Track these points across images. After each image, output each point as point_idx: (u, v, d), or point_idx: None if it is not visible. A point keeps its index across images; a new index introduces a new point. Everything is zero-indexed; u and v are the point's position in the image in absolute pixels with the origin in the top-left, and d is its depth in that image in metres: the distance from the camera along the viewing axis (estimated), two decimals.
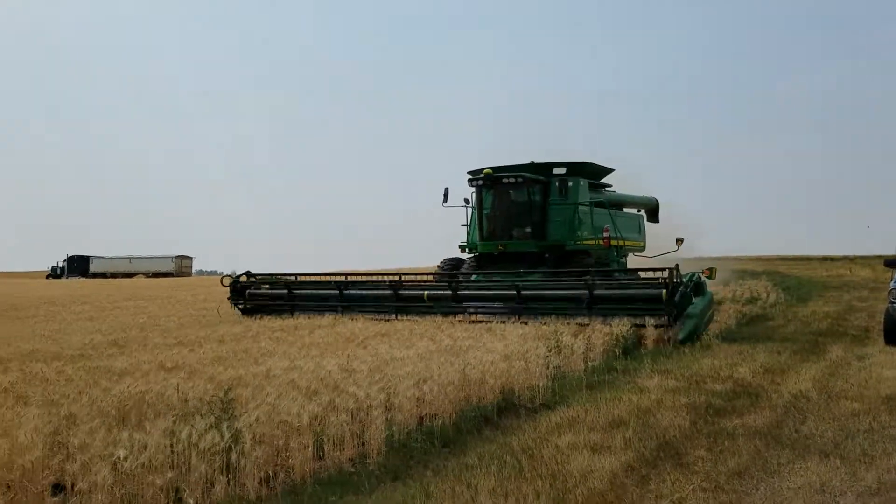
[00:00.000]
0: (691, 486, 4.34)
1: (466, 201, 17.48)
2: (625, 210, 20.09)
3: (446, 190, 17.24)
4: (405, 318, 12.90)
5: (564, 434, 5.60)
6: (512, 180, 16.39)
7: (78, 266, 75.75)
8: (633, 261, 19.39)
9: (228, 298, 16.20)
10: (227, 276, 17.01)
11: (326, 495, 4.38)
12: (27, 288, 37.26)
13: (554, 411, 6.50)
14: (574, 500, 4.06)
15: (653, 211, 22.08)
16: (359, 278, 17.41)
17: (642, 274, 13.92)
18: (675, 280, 11.14)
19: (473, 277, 15.61)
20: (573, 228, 16.44)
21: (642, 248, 20.11)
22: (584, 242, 16.51)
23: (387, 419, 5.55)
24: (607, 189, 19.40)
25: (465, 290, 13.70)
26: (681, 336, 10.73)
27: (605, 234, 16.51)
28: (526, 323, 11.44)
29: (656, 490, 4.32)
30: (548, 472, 4.58)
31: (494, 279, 14.58)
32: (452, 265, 17.51)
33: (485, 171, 16.53)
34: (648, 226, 21.29)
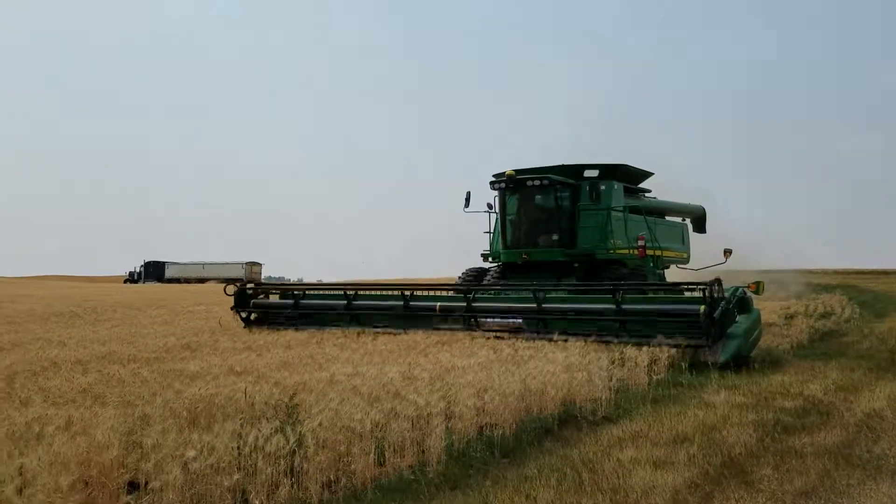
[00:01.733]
0: None
1: (489, 206, 16.21)
2: (667, 218, 18.61)
3: (468, 194, 16.01)
4: (415, 332, 11.62)
5: (627, 448, 5.53)
6: (537, 183, 14.98)
7: (154, 271, 78.80)
8: (676, 274, 17.96)
9: (232, 308, 15.00)
10: (232, 284, 15.88)
11: (387, 501, 4.44)
12: (106, 292, 38.88)
13: (616, 425, 6.41)
14: None
15: (699, 220, 20.47)
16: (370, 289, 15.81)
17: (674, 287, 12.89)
18: (715, 295, 9.93)
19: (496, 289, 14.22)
20: (605, 236, 15.03)
21: (686, 260, 18.65)
22: (618, 252, 15.08)
23: (447, 427, 5.59)
24: (646, 195, 17.97)
25: (480, 302, 12.34)
26: (721, 359, 9.61)
27: (641, 243, 15.04)
28: (552, 340, 10.22)
29: None
30: (608, 487, 4.54)
31: (512, 291, 13.32)
32: (475, 275, 16.25)
33: (507, 172, 15.30)
34: (695, 237, 19.80)
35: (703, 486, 4.62)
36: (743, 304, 10.64)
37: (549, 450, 5.65)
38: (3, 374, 7.78)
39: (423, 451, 5.26)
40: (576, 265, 14.98)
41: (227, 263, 78.93)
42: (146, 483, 4.09)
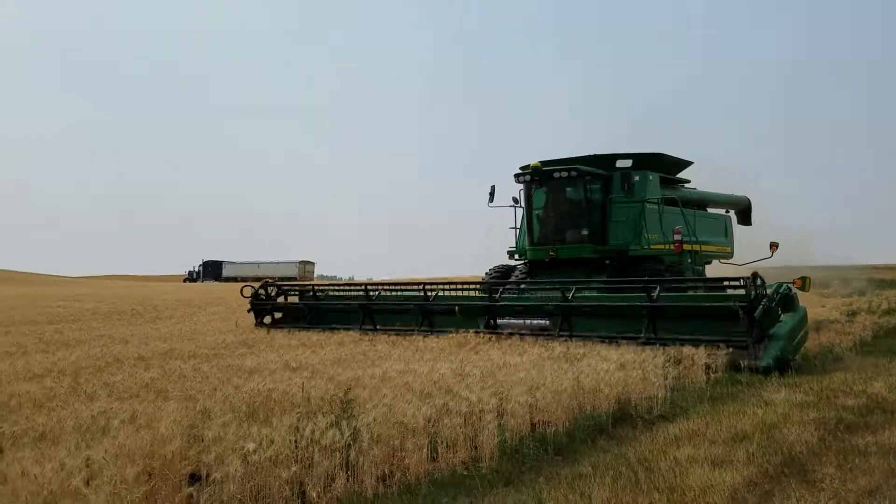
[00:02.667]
0: None
1: (515, 200, 15.31)
2: (708, 210, 17.65)
3: (492, 188, 15.15)
4: (432, 336, 11.13)
5: (683, 447, 5.44)
6: (564, 174, 13.97)
7: (212, 270, 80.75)
8: (719, 270, 17.02)
9: (249, 311, 15.02)
10: (249, 286, 15.83)
11: (440, 496, 4.46)
12: (166, 290, 39.99)
13: (673, 423, 6.31)
14: None
15: (744, 212, 19.28)
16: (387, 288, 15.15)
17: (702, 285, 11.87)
18: (755, 292, 9.15)
19: (522, 287, 13.58)
20: (639, 230, 14.03)
21: (730, 255, 17.57)
22: (652, 247, 14.12)
23: (499, 424, 5.59)
24: (685, 186, 16.87)
25: (501, 302, 11.76)
26: (763, 363, 8.80)
27: (677, 237, 13.98)
28: (575, 339, 9.69)
29: None
30: (665, 485, 4.47)
31: (536, 290, 12.79)
32: (501, 274, 15.47)
33: (532, 164, 14.45)
34: (741, 230, 18.71)
35: (762, 484, 4.52)
36: (787, 302, 9.80)
37: (603, 448, 5.60)
38: (69, 370, 8.09)
39: (476, 448, 5.27)
40: (607, 262, 14.07)
41: (281, 262, 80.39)
42: (207, 475, 4.20)
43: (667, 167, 15.64)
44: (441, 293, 12.76)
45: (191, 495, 4.04)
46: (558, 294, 10.89)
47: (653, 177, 14.63)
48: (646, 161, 14.73)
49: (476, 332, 10.68)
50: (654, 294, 9.89)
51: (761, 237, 16.94)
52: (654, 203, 14.37)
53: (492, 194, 15.02)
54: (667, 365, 7.86)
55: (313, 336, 11.85)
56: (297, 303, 14.82)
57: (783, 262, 15.61)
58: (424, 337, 10.94)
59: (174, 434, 4.50)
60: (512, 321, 11.42)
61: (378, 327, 12.47)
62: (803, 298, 10.84)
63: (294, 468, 4.31)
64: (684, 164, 16.42)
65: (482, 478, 4.79)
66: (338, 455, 4.52)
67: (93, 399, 6.30)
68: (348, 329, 12.38)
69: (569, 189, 14.48)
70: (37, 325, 12.88)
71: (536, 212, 14.78)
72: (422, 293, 12.55)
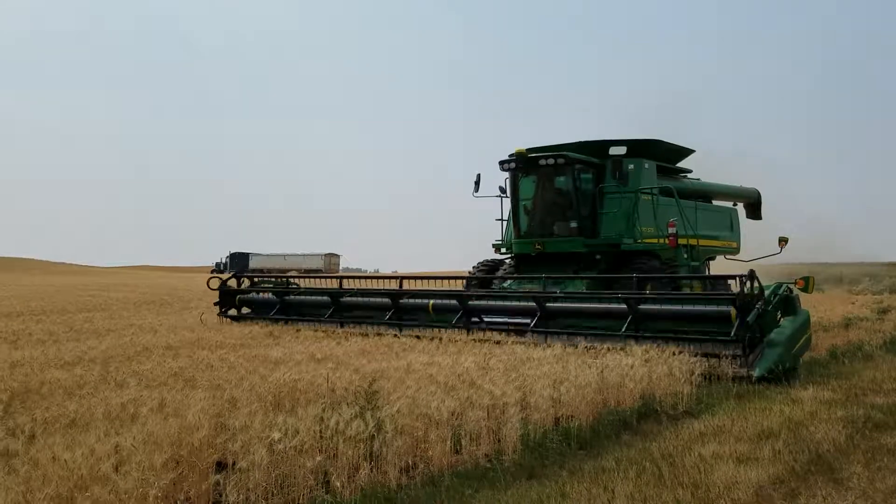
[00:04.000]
0: (844, 503, 4.07)
1: (502, 190, 14.18)
2: (714, 203, 16.61)
3: (478, 176, 14.04)
4: (405, 334, 10.66)
5: (708, 443, 5.40)
6: (551, 162, 12.89)
7: (239, 262, 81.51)
8: (724, 266, 15.97)
9: (216, 304, 14.16)
10: (215, 276, 14.82)
11: (463, 488, 4.48)
12: (194, 282, 40.49)
13: (698, 419, 6.27)
14: None
15: (753, 205, 18.16)
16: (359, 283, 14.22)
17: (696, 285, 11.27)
18: (749, 293, 8.29)
19: (507, 284, 12.90)
20: (632, 223, 13.02)
21: (736, 250, 16.55)
22: (646, 241, 13.07)
23: (522, 418, 5.59)
24: (686, 176, 15.91)
25: (476, 300, 11.05)
26: (756, 372, 7.93)
27: (671, 230, 12.74)
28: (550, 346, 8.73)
29: None
30: (689, 481, 4.45)
31: (516, 287, 12.09)
32: (488, 269, 14.48)
33: (517, 150, 13.32)
34: (750, 224, 17.73)
35: (788, 482, 4.47)
36: (788, 305, 8.96)
37: (627, 443, 5.58)
38: (99, 359, 8.23)
39: (499, 441, 5.28)
40: (598, 257, 13.10)
41: (306, 255, 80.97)
42: (233, 463, 4.26)
43: (665, 155, 14.68)
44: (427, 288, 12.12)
45: (217, 483, 4.09)
46: (536, 291, 10.34)
47: (648, 165, 13.65)
48: (641, 148, 13.74)
49: (448, 330, 10.20)
50: (637, 300, 9.17)
51: (785, 232, 16.00)
52: (649, 193, 13.39)
53: (477, 183, 14.02)
54: (692, 361, 7.79)
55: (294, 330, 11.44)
56: (259, 296, 14.13)
57: (812, 258, 15.12)
58: (395, 336, 10.43)
59: (201, 422, 4.56)
60: (489, 319, 10.82)
61: (345, 322, 11.88)
62: (817, 301, 10.47)
63: (319, 458, 4.36)
64: (685, 151, 15.45)
65: (505, 471, 4.80)
66: (362, 445, 4.55)
67: (122, 387, 6.41)
68: (314, 324, 11.95)
69: (557, 178, 13.44)
70: (68, 313, 13.15)
71: (523, 202, 13.80)
72: (397, 288, 11.95)
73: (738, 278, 8.44)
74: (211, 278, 14.58)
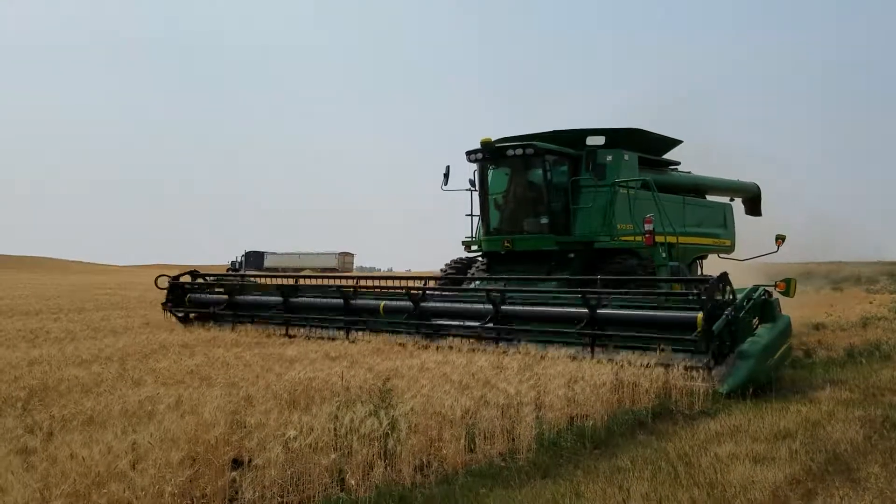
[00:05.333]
0: (862, 503, 4.03)
1: (472, 183, 13.10)
2: (709, 198, 15.66)
3: (447, 168, 12.99)
4: (358, 336, 10.09)
5: (724, 443, 5.36)
6: (519, 152, 11.77)
7: (254, 261, 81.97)
8: (718, 266, 14.54)
9: (164, 304, 13.29)
10: (165, 275, 13.94)
11: (477, 487, 4.47)
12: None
13: (714, 419, 6.23)
14: None
15: (752, 200, 17.05)
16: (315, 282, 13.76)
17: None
18: (717, 297, 7.55)
19: (475, 284, 12.01)
20: (608, 219, 12.02)
21: (730, 249, 15.53)
22: (622, 238, 12.09)
23: (537, 417, 5.59)
24: (676, 169, 14.83)
25: (430, 302, 10.32)
26: (724, 387, 7.05)
27: (648, 227, 11.60)
28: (505, 352, 8.14)
29: None
30: (705, 481, 4.42)
31: (472, 289, 11.33)
32: (460, 268, 13.48)
33: (483, 139, 12.19)
34: (749, 220, 16.67)
35: (805, 482, 4.44)
36: (765, 310, 8.09)
37: (642, 442, 5.55)
38: (116, 357, 8.30)
39: (513, 439, 5.27)
40: (571, 255, 12.06)
41: (320, 254, 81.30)
42: (249, 460, 4.29)
43: (649, 146, 13.55)
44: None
45: (234, 480, 4.12)
46: (487, 296, 9.61)
47: (629, 156, 12.62)
48: (622, 138, 12.68)
49: (398, 334, 9.63)
50: (599, 303, 8.46)
51: (792, 230, 15.25)
52: (627, 187, 12.24)
53: (446, 176, 12.95)
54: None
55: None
56: (209, 295, 13.32)
57: (826, 257, 14.73)
58: (345, 341, 9.81)
59: (217, 420, 4.59)
60: (446, 322, 10.04)
61: (293, 324, 11.16)
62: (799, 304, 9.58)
63: (333, 455, 4.38)
64: (671, 142, 14.30)
65: (519, 469, 4.80)
66: (376, 444, 4.57)
67: (139, 384, 6.47)
68: (264, 326, 11.35)
69: (526, 170, 12.37)
70: (85, 312, 13.26)
71: (493, 196, 12.81)
72: (350, 288, 11.35)
73: (712, 281, 7.75)
74: (159, 277, 13.77)
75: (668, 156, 14.57)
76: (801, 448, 5.12)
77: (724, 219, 15.64)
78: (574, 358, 7.55)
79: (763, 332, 7.84)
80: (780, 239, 13.86)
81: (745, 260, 14.75)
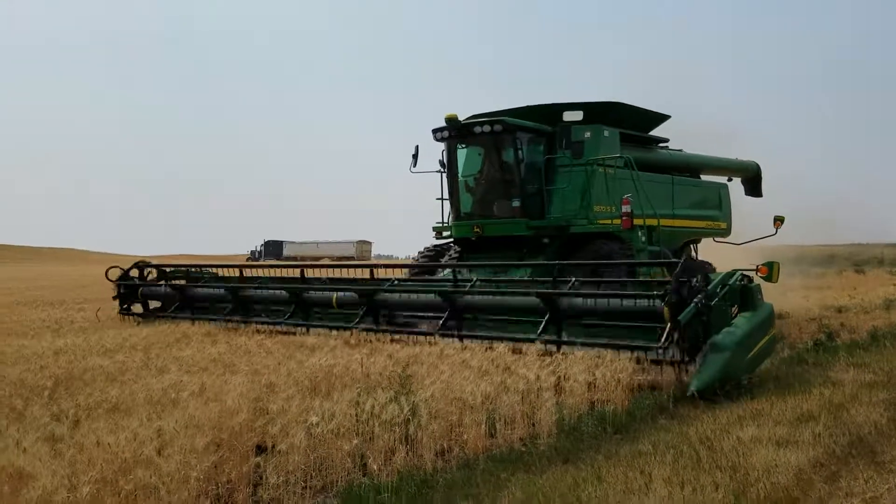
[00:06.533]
0: (886, 486, 3.99)
1: (442, 165, 11.96)
2: (702, 178, 14.66)
3: (416, 148, 12.03)
4: (310, 332, 9.38)
5: (747, 426, 5.34)
6: (487, 129, 10.77)
7: (273, 250, 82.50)
8: (712, 250, 14.31)
9: (115, 298, 12.50)
10: (117, 267, 12.85)
11: (498, 472, 4.49)
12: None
13: (736, 402, 6.20)
14: (756, 494, 3.88)
15: (752, 181, 15.96)
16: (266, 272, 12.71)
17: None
18: (684, 283, 6.74)
19: (445, 272, 10.85)
20: (586, 202, 11.01)
21: (725, 232, 14.53)
22: (600, 221, 11.09)
23: (557, 402, 5.59)
24: (667, 147, 13.84)
25: (385, 294, 9.54)
26: (694, 383, 6.30)
27: (626, 209, 10.58)
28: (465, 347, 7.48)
29: (846, 488, 4.02)
30: (728, 464, 4.40)
31: (422, 279, 10.58)
32: (433, 255, 12.40)
33: (448, 115, 11.13)
34: (748, 202, 15.75)
35: (828, 465, 4.41)
36: (745, 298, 7.28)
37: (664, 427, 5.53)
38: (140, 345, 8.40)
39: (534, 425, 5.29)
40: (545, 241, 11.13)
41: (339, 242, 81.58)
42: (273, 446, 4.33)
43: (632, 122, 12.52)
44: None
45: (257, 465, 4.17)
46: (447, 284, 9.02)
47: (609, 133, 11.53)
48: (601, 113, 11.59)
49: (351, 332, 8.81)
50: (557, 294, 7.79)
51: (799, 212, 14.56)
52: (604, 165, 11.16)
53: (415, 157, 12.01)
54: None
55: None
56: (161, 289, 12.43)
57: (848, 238, 14.07)
58: (299, 335, 9.20)
59: (241, 406, 4.65)
60: (406, 314, 9.51)
61: (245, 319, 10.46)
62: (775, 292, 8.27)
63: (355, 441, 4.42)
64: (657, 117, 13.27)
65: (540, 454, 4.81)
66: (397, 429, 4.60)
67: (163, 372, 6.55)
68: (214, 321, 10.60)
69: (496, 149, 11.33)
70: (109, 301, 13.37)
71: (464, 178, 11.82)
72: (300, 279, 10.64)
73: (671, 266, 7.15)
74: (110, 269, 12.75)
75: (656, 132, 13.69)
76: (825, 431, 5.08)
77: (720, 200, 14.60)
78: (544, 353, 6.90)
79: (741, 322, 7.00)
80: (778, 221, 13.14)
81: (743, 244, 14.00)
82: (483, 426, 5.03)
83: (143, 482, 3.60)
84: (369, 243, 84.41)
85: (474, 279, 9.41)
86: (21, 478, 3.64)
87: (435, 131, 11.57)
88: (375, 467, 4.32)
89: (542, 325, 7.57)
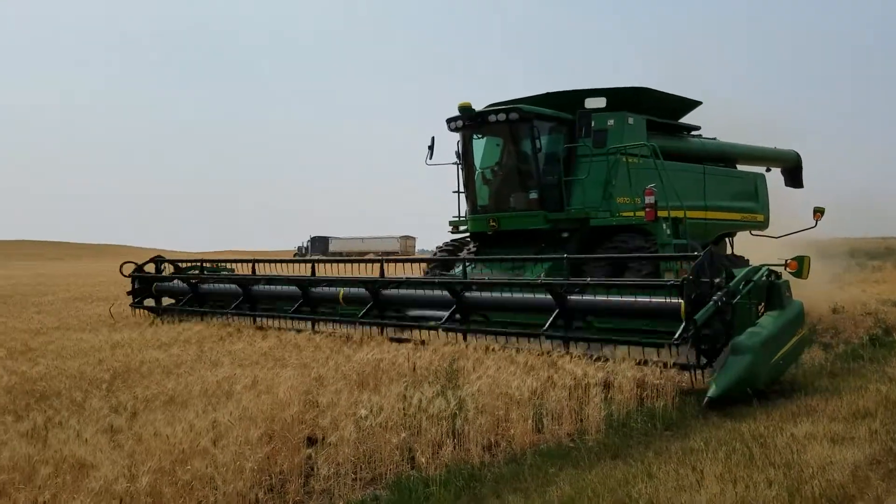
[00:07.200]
0: None
1: (458, 156, 11.44)
2: (739, 168, 13.77)
3: (432, 140, 11.43)
4: (317, 329, 9.22)
5: (801, 423, 5.22)
6: (502, 117, 10.24)
7: (319, 246, 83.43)
8: (750, 244, 13.36)
9: (129, 293, 12.55)
10: (130, 262, 12.86)
11: (546, 467, 4.48)
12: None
13: (790, 399, 6.07)
14: (810, 491, 3.80)
15: (792, 171, 15.04)
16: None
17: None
18: (705, 279, 6.26)
19: (457, 269, 10.30)
20: (608, 193, 10.46)
21: (763, 224, 13.62)
22: (622, 214, 10.45)
23: (605, 398, 5.54)
24: (700, 135, 13.08)
25: (391, 289, 9.07)
26: (712, 389, 5.80)
27: (649, 199, 9.71)
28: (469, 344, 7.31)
29: None
30: (781, 461, 4.32)
31: (428, 278, 9.85)
32: (451, 250, 11.97)
33: (461, 103, 10.55)
34: (789, 192, 14.88)
35: (885, 462, 4.29)
36: (771, 295, 6.67)
37: (715, 424, 5.44)
38: (193, 339, 8.61)
39: (582, 420, 5.25)
40: (565, 235, 10.50)
41: (383, 237, 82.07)
42: (323, 438, 4.41)
43: (659, 108, 11.75)
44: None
45: (309, 457, 4.25)
46: (453, 281, 8.56)
47: (634, 120, 10.92)
48: (626, 99, 10.98)
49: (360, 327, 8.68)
50: (567, 290, 7.26)
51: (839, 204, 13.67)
52: (630, 155, 10.49)
53: (431, 148, 11.42)
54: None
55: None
56: (176, 285, 12.29)
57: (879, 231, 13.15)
58: (301, 332, 8.86)
59: (292, 399, 4.74)
60: (414, 312, 9.10)
61: (255, 314, 10.34)
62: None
63: (403, 434, 4.47)
64: (688, 104, 12.49)
65: (589, 450, 4.78)
66: (444, 423, 4.63)
67: (216, 366, 6.71)
68: (223, 316, 10.62)
69: (513, 138, 10.79)
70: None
71: (481, 170, 11.28)
72: (309, 274, 10.35)
73: (689, 260, 6.64)
74: (124, 264, 12.77)
75: (687, 119, 12.92)
76: (882, 428, 4.95)
77: (756, 191, 13.67)
78: (546, 354, 6.60)
79: (766, 322, 6.43)
80: (818, 212, 12.49)
81: (780, 237, 13.23)
82: (530, 421, 5.03)
83: (200, 472, 3.71)
84: (413, 238, 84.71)
85: (484, 276, 9.09)
86: (82, 468, 3.77)
87: (449, 121, 11.00)
88: (423, 460, 4.36)
89: (549, 321, 7.12)
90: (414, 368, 6.28)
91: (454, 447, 4.59)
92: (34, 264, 66.05)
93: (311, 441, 4.51)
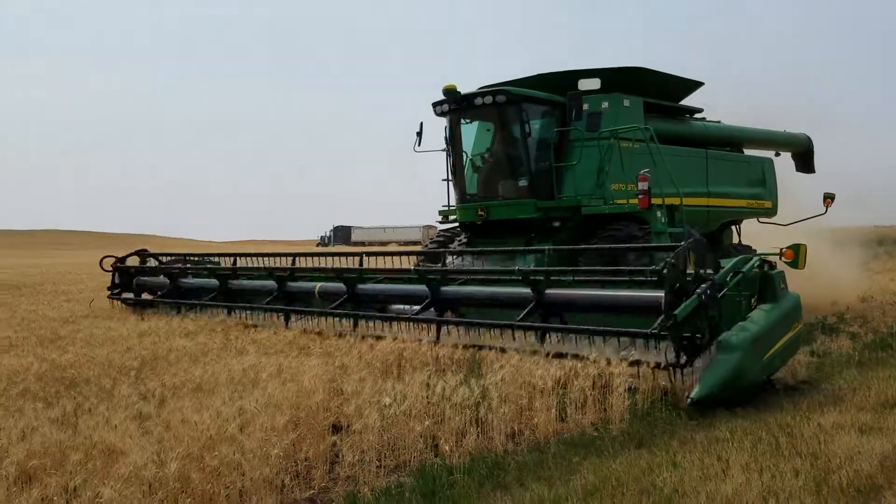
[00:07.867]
0: None
1: (446, 142, 10.87)
2: (746, 153, 13.23)
3: (420, 126, 10.95)
4: (294, 323, 8.74)
5: (828, 413, 5.17)
6: (489, 100, 9.73)
7: (342, 235, 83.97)
8: (757, 231, 12.98)
9: (110, 288, 12.20)
10: (110, 256, 12.53)
11: (570, 455, 4.48)
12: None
13: (817, 389, 6.01)
14: (837, 481, 3.76)
15: (803, 155, 14.45)
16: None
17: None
18: (686, 270, 5.78)
19: (451, 258, 9.84)
20: (601, 179, 9.95)
21: (770, 211, 13.08)
22: (616, 201, 9.88)
23: (629, 387, 5.52)
24: (703, 118, 12.58)
25: (367, 284, 8.77)
26: (695, 391, 5.29)
27: (643, 186, 9.25)
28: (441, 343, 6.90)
29: None
30: (808, 451, 4.28)
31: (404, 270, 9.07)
32: (441, 242, 11.32)
33: (447, 85, 10.02)
34: (799, 178, 14.37)
35: None
36: (765, 287, 6.15)
37: (741, 413, 5.39)
38: (219, 328, 8.70)
39: (605, 410, 5.24)
40: (556, 224, 9.93)
41: (405, 227, 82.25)
42: (348, 425, 4.45)
43: (658, 89, 11.18)
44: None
45: (334, 444, 4.29)
46: (423, 279, 7.93)
47: (630, 102, 10.43)
48: (621, 80, 10.39)
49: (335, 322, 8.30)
50: (544, 282, 6.82)
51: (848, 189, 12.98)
52: (624, 139, 9.96)
53: (419, 135, 10.91)
54: (812, 330, 7.43)
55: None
56: (156, 278, 11.93)
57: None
58: (280, 329, 8.36)
59: (316, 387, 4.79)
60: (396, 306, 8.63)
61: (232, 310, 9.72)
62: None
63: (427, 422, 4.49)
64: (689, 84, 11.89)
65: (613, 439, 4.77)
66: (468, 412, 4.66)
67: (242, 354, 6.79)
68: (200, 312, 10.01)
69: (501, 122, 10.28)
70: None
71: (469, 157, 10.75)
72: (288, 268, 9.91)
73: (671, 249, 6.14)
74: (104, 258, 12.41)
75: (688, 101, 12.29)
76: None
77: (763, 176, 13.08)
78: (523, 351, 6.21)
79: (758, 317, 5.91)
80: (828, 198, 12.08)
81: (789, 224, 12.75)
82: (553, 410, 5.03)
83: (227, 459, 3.76)
84: (436, 227, 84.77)
85: (465, 268, 8.73)
86: (112, 454, 3.85)
87: (434, 105, 10.45)
88: (447, 448, 4.38)
89: (524, 312, 6.70)
90: (437, 357, 6.31)
91: (478, 435, 4.62)
92: (63, 253, 67.09)
93: (336, 428, 4.55)
